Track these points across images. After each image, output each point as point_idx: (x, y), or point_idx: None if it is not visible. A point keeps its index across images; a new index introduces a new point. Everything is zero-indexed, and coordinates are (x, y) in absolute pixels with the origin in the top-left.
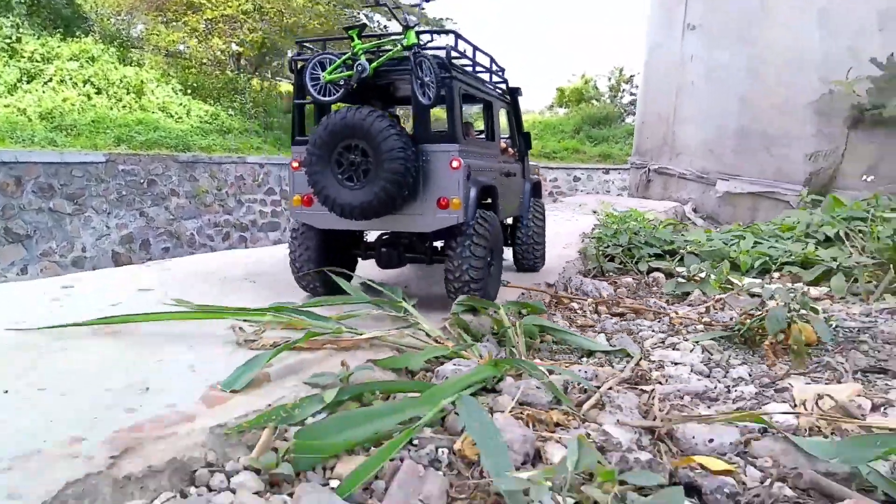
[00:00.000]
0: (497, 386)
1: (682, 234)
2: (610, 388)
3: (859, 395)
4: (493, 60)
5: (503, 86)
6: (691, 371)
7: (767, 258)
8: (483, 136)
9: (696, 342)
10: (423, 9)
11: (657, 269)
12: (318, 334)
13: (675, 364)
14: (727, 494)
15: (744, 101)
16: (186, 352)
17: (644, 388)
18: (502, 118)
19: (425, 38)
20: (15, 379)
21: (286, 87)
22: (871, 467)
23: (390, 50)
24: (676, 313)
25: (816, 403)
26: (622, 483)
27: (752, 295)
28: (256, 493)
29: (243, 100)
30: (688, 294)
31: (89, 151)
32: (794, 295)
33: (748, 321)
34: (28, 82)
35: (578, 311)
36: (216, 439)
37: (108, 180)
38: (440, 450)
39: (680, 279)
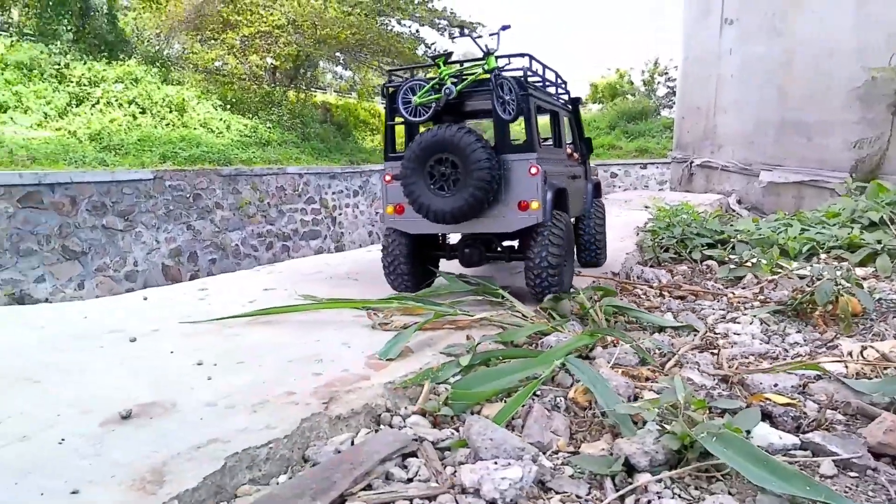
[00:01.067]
0: (590, 354)
1: (732, 224)
2: (685, 352)
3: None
4: (557, 75)
5: (566, 96)
6: (752, 338)
7: (814, 243)
8: (551, 143)
9: (755, 316)
10: (505, 29)
11: (710, 258)
12: (442, 315)
13: (738, 334)
14: (792, 417)
15: (781, 92)
16: (335, 333)
17: (713, 351)
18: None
19: (502, 61)
20: (215, 356)
21: (321, 97)
22: None
23: (471, 73)
24: (733, 294)
25: (861, 353)
26: (710, 409)
27: (802, 277)
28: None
29: (280, 112)
30: (741, 278)
31: (137, 169)
32: (840, 271)
33: (799, 296)
34: (77, 105)
35: (643, 296)
36: (388, 392)
37: (157, 196)
38: (557, 398)
39: (732, 265)
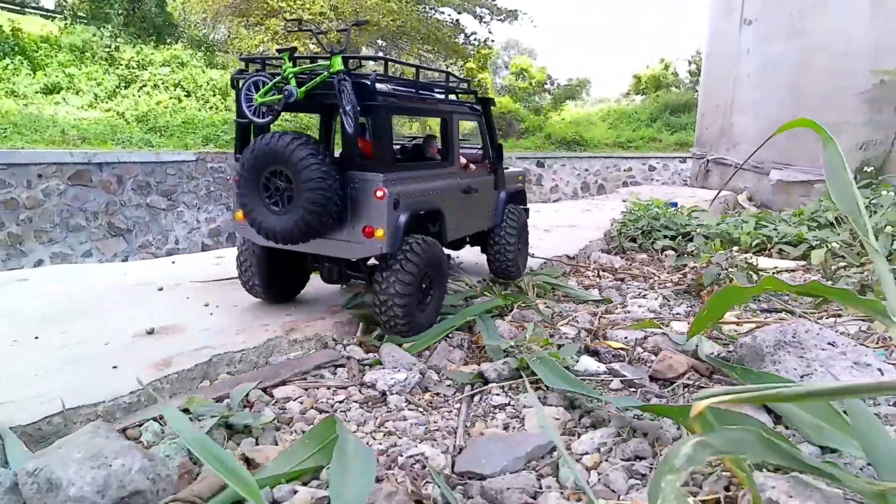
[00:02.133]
0: (509, 313)
1: (697, 219)
2: (579, 315)
3: (737, 317)
4: (450, 76)
5: (470, 99)
6: (647, 310)
7: (764, 238)
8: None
9: (661, 294)
10: (359, 25)
11: (670, 248)
12: None
13: (640, 307)
14: (613, 355)
15: (796, 92)
16: (311, 289)
17: (603, 315)
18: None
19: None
20: (218, 302)
21: None
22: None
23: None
24: (658, 277)
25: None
26: (559, 346)
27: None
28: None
29: None
30: (685, 265)
31: (181, 151)
32: (733, 261)
33: (698, 278)
34: (125, 88)
35: (592, 276)
36: (336, 328)
37: (198, 177)
38: (463, 340)
39: (685, 254)
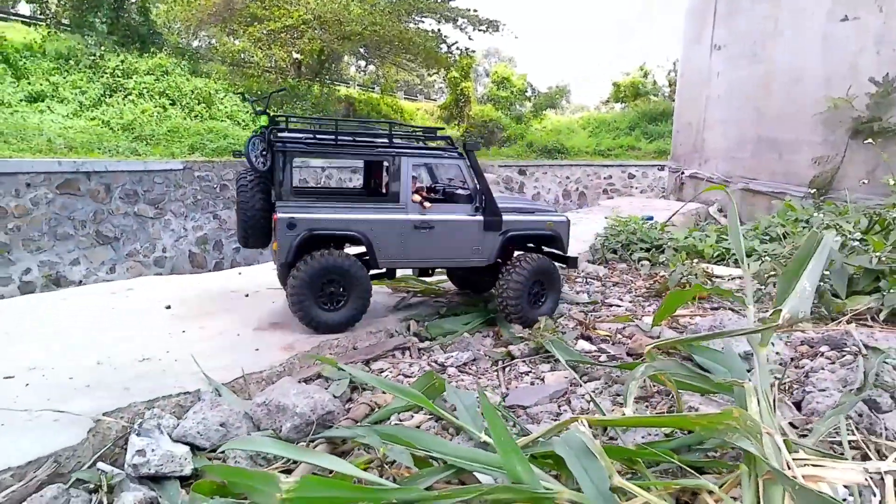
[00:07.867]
0: None
1: (668, 233)
2: (573, 312)
3: (690, 312)
4: (421, 130)
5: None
6: (625, 309)
7: (723, 250)
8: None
9: (635, 295)
10: (280, 91)
11: (646, 259)
12: (431, 287)
13: (618, 305)
14: (601, 339)
15: (759, 112)
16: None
17: (592, 312)
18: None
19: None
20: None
21: (345, 91)
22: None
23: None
24: (634, 283)
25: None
26: (563, 333)
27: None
28: None
29: (304, 106)
30: (657, 274)
31: (168, 160)
32: (693, 269)
33: (659, 283)
34: (110, 96)
35: (579, 283)
36: (398, 323)
37: (186, 186)
38: (490, 331)
39: (658, 264)
